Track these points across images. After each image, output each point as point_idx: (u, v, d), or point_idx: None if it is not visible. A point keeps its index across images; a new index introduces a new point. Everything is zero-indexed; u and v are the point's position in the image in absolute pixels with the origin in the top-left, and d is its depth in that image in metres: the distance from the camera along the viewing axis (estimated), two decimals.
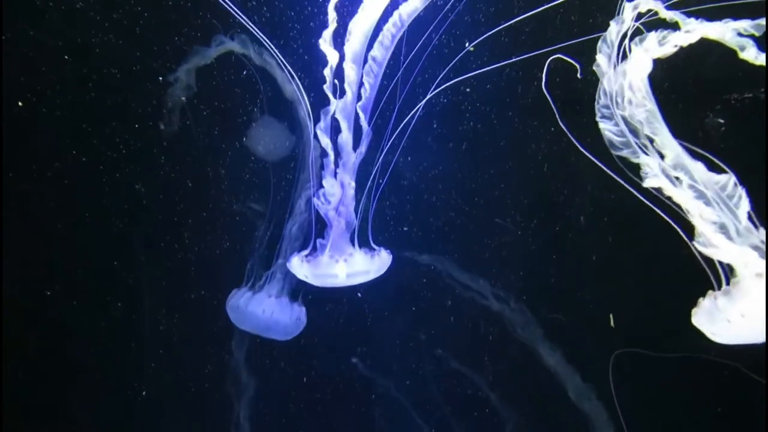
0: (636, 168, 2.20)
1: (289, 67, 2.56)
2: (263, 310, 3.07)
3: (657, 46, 2.23)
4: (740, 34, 2.22)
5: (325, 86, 2.37)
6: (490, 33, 2.57)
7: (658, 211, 2.21)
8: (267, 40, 2.55)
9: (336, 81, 2.33)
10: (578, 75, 2.40)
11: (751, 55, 2.22)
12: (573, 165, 2.89)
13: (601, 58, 2.25)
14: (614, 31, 2.24)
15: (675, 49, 2.22)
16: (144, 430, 3.44)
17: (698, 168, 2.16)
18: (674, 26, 2.21)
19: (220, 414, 3.43)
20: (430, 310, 3.31)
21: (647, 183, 2.18)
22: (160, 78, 2.85)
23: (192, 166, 3.05)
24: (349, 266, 2.62)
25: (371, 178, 2.61)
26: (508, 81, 2.83)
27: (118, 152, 3.01)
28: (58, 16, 2.74)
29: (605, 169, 2.26)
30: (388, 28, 2.31)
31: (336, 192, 2.54)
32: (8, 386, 3.14)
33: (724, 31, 2.23)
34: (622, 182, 2.24)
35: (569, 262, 3.13)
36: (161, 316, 3.28)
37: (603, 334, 3.08)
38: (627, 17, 2.23)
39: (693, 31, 2.23)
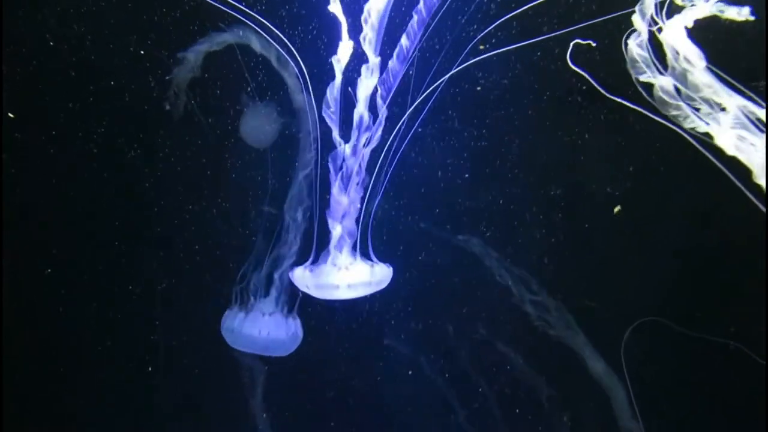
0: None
1: (302, 64, 2.61)
2: (259, 331, 3.01)
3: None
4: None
5: (334, 58, 2.39)
6: (500, 20, 2.64)
7: (729, 174, 2.21)
8: (281, 33, 2.62)
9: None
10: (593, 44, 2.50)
11: (733, 13, 2.34)
12: (603, 147, 2.97)
13: (642, 78, 2.31)
14: (634, 47, 2.32)
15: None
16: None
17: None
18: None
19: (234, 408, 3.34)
20: (461, 295, 3.26)
21: (719, 138, 2.19)
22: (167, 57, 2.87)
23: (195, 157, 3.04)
24: (351, 276, 2.60)
25: (372, 177, 2.64)
26: (530, 66, 2.87)
27: (120, 138, 3.00)
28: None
29: (673, 127, 2.29)
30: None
31: (342, 200, 2.54)
32: (8, 383, 3.05)
33: (708, 7, 2.35)
34: (695, 143, 2.26)
35: (605, 252, 3.15)
36: (162, 305, 3.21)
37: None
38: (642, 28, 2.33)
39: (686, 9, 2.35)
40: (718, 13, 2.34)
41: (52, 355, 3.18)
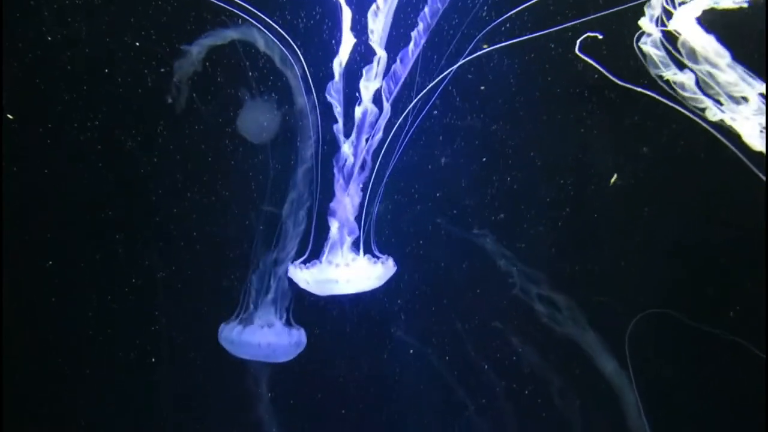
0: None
1: (304, 64, 2.62)
2: (259, 343, 2.99)
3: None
4: None
5: (336, 60, 2.38)
6: (507, 15, 2.65)
7: (746, 160, 2.22)
8: (286, 34, 2.62)
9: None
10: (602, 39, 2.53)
11: (728, 2, 2.38)
12: (613, 138, 2.98)
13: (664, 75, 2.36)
14: (650, 48, 2.37)
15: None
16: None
17: None
18: None
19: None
20: (470, 290, 3.25)
21: (745, 133, 2.21)
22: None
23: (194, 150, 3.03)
24: (351, 271, 2.60)
25: (376, 168, 2.63)
26: (543, 54, 2.88)
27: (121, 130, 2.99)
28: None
29: (696, 119, 2.31)
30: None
31: (344, 198, 2.54)
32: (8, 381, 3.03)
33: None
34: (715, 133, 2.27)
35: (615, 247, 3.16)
36: (163, 304, 3.19)
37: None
38: (652, 30, 2.36)
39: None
40: (714, 5, 2.39)
41: (51, 352, 3.14)
